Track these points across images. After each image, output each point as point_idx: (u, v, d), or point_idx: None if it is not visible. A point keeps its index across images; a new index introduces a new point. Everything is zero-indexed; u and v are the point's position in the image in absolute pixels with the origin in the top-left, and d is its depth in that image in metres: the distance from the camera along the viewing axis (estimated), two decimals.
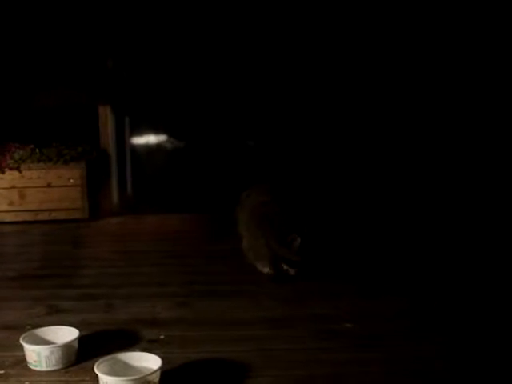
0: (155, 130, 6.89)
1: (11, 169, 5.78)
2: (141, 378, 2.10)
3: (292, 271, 3.64)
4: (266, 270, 3.72)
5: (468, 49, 6.15)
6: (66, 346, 2.44)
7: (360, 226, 5.29)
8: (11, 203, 5.81)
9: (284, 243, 3.60)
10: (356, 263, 4.09)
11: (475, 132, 6.13)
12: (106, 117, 6.37)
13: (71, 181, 5.83)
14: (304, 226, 3.75)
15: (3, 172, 5.77)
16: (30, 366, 2.43)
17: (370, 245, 4.65)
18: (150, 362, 2.25)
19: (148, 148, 6.92)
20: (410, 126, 6.32)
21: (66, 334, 2.54)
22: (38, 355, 2.40)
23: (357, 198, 6.01)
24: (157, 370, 2.16)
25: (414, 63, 6.29)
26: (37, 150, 5.93)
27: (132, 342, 2.70)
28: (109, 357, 2.28)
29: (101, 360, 2.23)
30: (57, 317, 3.06)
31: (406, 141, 6.31)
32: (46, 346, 2.43)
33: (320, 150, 6.52)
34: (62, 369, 2.41)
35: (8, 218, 5.80)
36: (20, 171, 5.81)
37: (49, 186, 5.84)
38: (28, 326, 2.85)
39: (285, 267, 3.65)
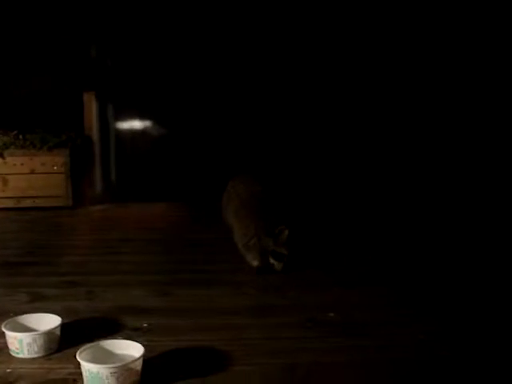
0: (140, 117, 6.87)
1: None
2: (123, 365, 2.10)
3: (278, 266, 3.61)
4: (255, 262, 3.66)
5: (468, 49, 6.17)
6: (48, 334, 2.43)
7: (345, 217, 5.33)
8: None
9: (271, 235, 3.59)
10: (340, 254, 4.12)
11: (475, 131, 6.17)
12: (91, 103, 6.34)
13: (55, 168, 5.81)
14: (292, 217, 3.76)
15: None
16: (12, 354, 2.42)
17: (357, 236, 4.69)
18: (133, 349, 2.25)
19: (132, 135, 6.90)
20: (399, 118, 6.35)
21: (49, 321, 2.53)
22: (20, 342, 2.39)
23: (344, 189, 6.05)
24: (139, 358, 2.16)
25: (414, 63, 6.32)
26: (20, 137, 5.89)
27: (114, 329, 2.70)
28: (91, 344, 2.27)
29: (83, 348, 2.23)
30: (39, 304, 3.05)
31: (394, 132, 6.35)
32: (28, 333, 2.42)
33: (308, 141, 6.54)
34: (44, 356, 2.40)
35: None
36: (3, 157, 5.77)
37: (32, 172, 5.82)
38: (10, 313, 2.83)
39: (271, 261, 3.62)
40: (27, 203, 5.82)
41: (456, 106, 6.27)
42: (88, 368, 2.10)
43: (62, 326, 2.52)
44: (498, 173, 5.88)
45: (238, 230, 3.84)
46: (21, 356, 2.40)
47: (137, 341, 2.33)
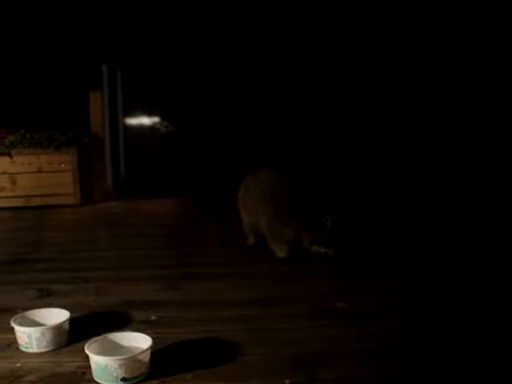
0: (148, 114, 6.88)
1: (2, 154, 5.77)
2: (131, 357, 2.11)
3: (331, 252, 3.69)
4: (282, 253, 3.72)
5: (468, 49, 6.16)
6: (57, 328, 2.44)
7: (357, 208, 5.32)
8: (2, 189, 5.82)
9: (315, 226, 3.64)
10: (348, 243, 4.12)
11: (476, 131, 6.16)
12: (97, 102, 6.36)
13: (62, 166, 5.84)
14: (332, 205, 3.79)
15: None
16: (22, 348, 2.43)
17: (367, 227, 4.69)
18: (141, 341, 2.26)
19: (141, 132, 6.92)
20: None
21: (57, 315, 2.55)
22: (29, 337, 2.40)
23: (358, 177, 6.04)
24: (147, 350, 2.16)
25: (414, 63, 6.31)
26: (28, 135, 5.92)
27: (123, 323, 2.71)
28: (99, 337, 2.28)
29: (91, 340, 2.24)
30: (48, 300, 3.07)
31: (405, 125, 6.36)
32: (37, 327, 2.44)
33: (315, 134, 6.54)
34: (53, 350, 2.41)
35: None
36: (11, 157, 5.80)
37: (40, 171, 5.85)
38: (19, 308, 2.85)
39: (323, 250, 3.69)
40: (36, 202, 5.85)
41: (456, 106, 6.26)
42: (96, 360, 2.11)
43: (71, 320, 2.53)
44: (498, 173, 5.86)
45: (266, 219, 3.81)
46: (30, 350, 2.41)
47: (145, 333, 2.33)
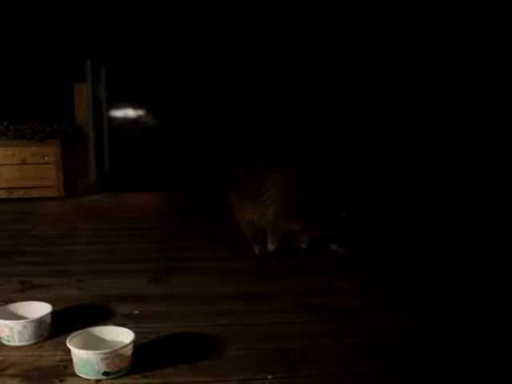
0: (134, 107, 6.85)
1: None
2: (113, 351, 2.11)
3: (341, 249, 3.70)
4: (272, 247, 3.71)
5: (468, 49, 6.18)
6: (39, 321, 2.43)
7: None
8: None
9: (333, 222, 3.63)
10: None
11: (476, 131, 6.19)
12: (82, 94, 6.32)
13: (46, 158, 5.80)
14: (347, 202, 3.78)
15: None
16: (3, 341, 2.41)
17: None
18: (123, 336, 2.25)
19: (126, 125, 6.88)
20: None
21: (39, 309, 2.53)
22: (11, 330, 2.38)
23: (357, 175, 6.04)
24: (129, 344, 2.16)
25: (414, 63, 6.32)
26: (11, 127, 5.87)
27: (105, 317, 2.70)
28: (81, 331, 2.27)
29: (73, 334, 2.22)
30: (30, 293, 3.05)
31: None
32: (19, 320, 2.42)
33: (307, 127, 6.53)
34: (34, 344, 2.40)
35: None
36: None
37: (23, 163, 5.81)
38: (1, 301, 2.83)
39: (334, 247, 3.71)
40: (19, 194, 5.81)
41: (457, 106, 6.29)
42: (78, 354, 2.10)
43: (53, 313, 2.52)
44: (498, 172, 5.90)
45: (275, 210, 3.69)
46: (11, 344, 2.40)
47: (128, 327, 2.32)
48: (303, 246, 3.76)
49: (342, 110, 6.50)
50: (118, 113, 6.81)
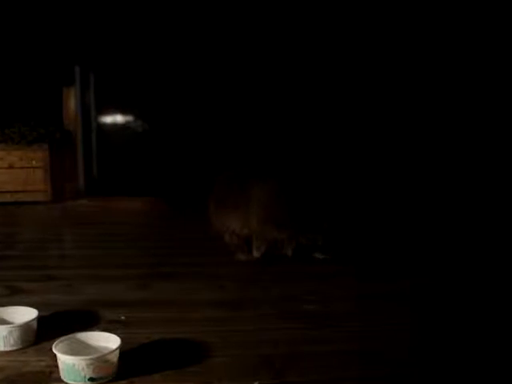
0: (122, 112, 6.85)
1: None
2: (99, 357, 2.10)
3: (328, 256, 3.74)
4: (257, 253, 3.73)
5: (468, 49, 6.21)
6: (25, 326, 2.42)
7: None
8: None
9: (316, 231, 3.66)
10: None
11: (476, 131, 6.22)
12: (70, 98, 6.31)
13: (33, 162, 5.79)
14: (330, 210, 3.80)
15: None
16: None
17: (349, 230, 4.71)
18: (109, 341, 2.24)
19: (115, 130, 6.88)
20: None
21: (25, 314, 2.52)
22: None
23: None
24: (115, 350, 2.15)
25: (413, 63, 6.35)
26: None
27: (92, 322, 2.69)
28: (67, 336, 2.26)
29: (59, 340, 2.22)
30: (16, 297, 3.03)
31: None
32: (4, 325, 2.41)
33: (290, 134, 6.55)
34: (20, 349, 2.39)
35: None
36: None
37: (11, 167, 5.79)
38: None
39: (321, 256, 3.75)
40: (6, 198, 5.78)
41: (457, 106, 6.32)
42: (64, 360, 2.09)
43: (39, 318, 2.51)
44: (498, 172, 5.93)
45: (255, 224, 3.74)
46: None
47: (114, 333, 2.32)
48: (289, 253, 3.77)
49: (327, 113, 6.52)
50: (106, 118, 6.80)
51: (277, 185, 3.75)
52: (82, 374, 2.07)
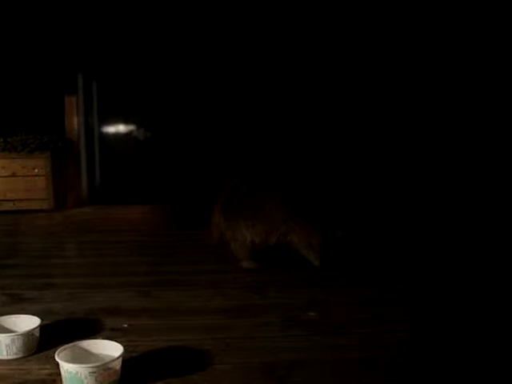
0: (125, 120, 6.87)
1: None
2: (102, 365, 2.10)
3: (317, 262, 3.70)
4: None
5: (468, 49, 6.22)
6: (28, 335, 2.42)
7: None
8: None
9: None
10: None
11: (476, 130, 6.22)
12: (72, 106, 6.33)
13: (36, 170, 5.80)
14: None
15: None
16: None
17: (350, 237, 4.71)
18: (112, 349, 2.24)
19: (117, 138, 6.89)
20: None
21: (28, 322, 2.52)
22: None
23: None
24: (118, 358, 2.15)
25: (413, 63, 6.36)
26: (1, 139, 5.87)
27: (94, 330, 2.70)
28: (70, 344, 2.26)
29: (62, 348, 2.22)
30: (19, 306, 3.04)
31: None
32: (7, 334, 2.41)
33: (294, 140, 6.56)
34: (22, 357, 2.39)
35: None
36: None
37: (13, 175, 5.80)
38: None
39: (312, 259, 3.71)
40: (8, 206, 5.79)
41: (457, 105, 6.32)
42: (66, 368, 2.10)
43: (42, 327, 2.51)
44: (498, 172, 5.92)
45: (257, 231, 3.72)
46: None
47: (117, 341, 2.32)
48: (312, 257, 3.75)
49: (332, 116, 6.54)
50: (109, 126, 6.82)
51: (281, 194, 3.75)
52: (85, 382, 2.07)
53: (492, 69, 6.21)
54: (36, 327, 2.47)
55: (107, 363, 2.12)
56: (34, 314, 2.60)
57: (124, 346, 2.23)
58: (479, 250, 4.29)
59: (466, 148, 6.29)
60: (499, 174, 5.93)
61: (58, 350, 2.20)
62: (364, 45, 6.43)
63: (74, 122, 6.36)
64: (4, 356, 2.38)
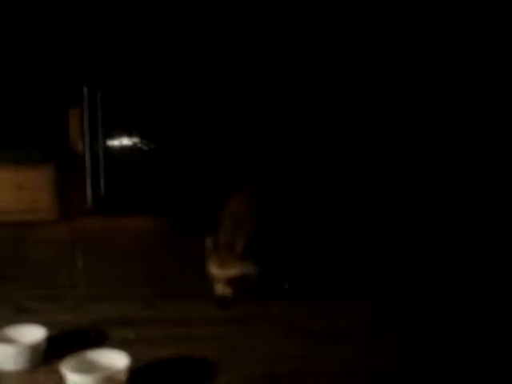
0: (129, 132, 6.89)
1: None
2: (107, 375, 2.13)
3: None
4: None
5: (468, 49, 6.22)
6: (34, 346, 2.45)
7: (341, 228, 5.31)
8: None
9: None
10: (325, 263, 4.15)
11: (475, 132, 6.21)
12: (77, 119, 6.37)
13: (41, 182, 5.81)
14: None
15: None
16: None
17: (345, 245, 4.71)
18: (118, 360, 2.27)
19: (122, 149, 6.92)
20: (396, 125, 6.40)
21: (34, 333, 2.55)
22: (6, 355, 2.40)
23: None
24: (124, 368, 2.18)
25: (413, 64, 6.37)
26: (6, 151, 5.89)
27: (100, 341, 2.71)
28: (76, 355, 2.29)
29: (68, 358, 2.24)
30: (25, 317, 3.05)
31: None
32: (14, 345, 2.44)
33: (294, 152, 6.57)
34: (29, 368, 2.42)
35: None
36: None
37: (18, 187, 5.81)
38: None
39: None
40: (13, 218, 5.80)
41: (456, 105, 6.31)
42: (72, 378, 2.12)
43: (48, 338, 2.54)
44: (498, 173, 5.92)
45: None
46: (7, 368, 2.41)
47: (122, 352, 2.34)
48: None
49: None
50: (113, 137, 6.85)
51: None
52: None
53: (492, 69, 6.21)
54: (43, 338, 2.50)
55: (113, 374, 2.14)
56: (40, 325, 2.63)
57: (129, 356, 2.25)
58: (479, 257, 4.30)
59: (465, 150, 6.28)
60: (499, 174, 5.93)
61: (64, 360, 2.22)
62: (364, 45, 6.43)
63: (79, 134, 6.39)
64: (11, 367, 2.41)
